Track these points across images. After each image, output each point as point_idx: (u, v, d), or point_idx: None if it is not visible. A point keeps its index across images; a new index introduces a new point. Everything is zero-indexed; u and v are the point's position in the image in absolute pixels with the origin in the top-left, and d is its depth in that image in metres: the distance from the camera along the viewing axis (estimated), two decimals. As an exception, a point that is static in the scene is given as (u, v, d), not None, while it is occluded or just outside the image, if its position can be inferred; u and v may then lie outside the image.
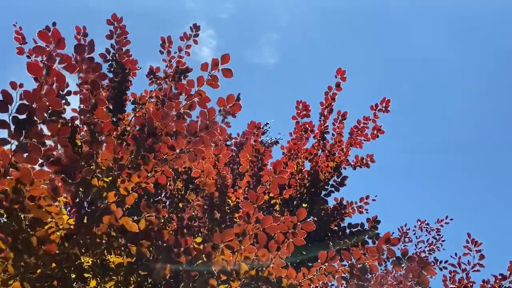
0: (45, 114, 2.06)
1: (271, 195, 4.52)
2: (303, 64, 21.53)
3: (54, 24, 3.32)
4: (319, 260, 2.70)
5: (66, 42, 2.07)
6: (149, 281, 2.89)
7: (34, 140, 2.13)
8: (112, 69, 4.46)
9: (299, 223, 2.51)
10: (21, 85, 2.03)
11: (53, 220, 2.43)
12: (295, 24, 20.71)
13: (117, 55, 4.43)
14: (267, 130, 7.18)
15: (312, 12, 20.58)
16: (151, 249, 2.63)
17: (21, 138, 2.09)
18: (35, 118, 2.10)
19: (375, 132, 5.15)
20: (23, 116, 2.07)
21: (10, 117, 2.04)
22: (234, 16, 20.80)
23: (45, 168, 2.31)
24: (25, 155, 2.14)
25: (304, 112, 5.10)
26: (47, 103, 2.12)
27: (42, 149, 2.14)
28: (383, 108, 5.06)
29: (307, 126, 5.12)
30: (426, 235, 6.93)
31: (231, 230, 2.48)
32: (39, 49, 2.03)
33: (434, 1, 19.43)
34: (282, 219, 2.55)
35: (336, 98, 5.09)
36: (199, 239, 3.23)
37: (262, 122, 7.30)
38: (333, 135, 5.20)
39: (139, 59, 4.53)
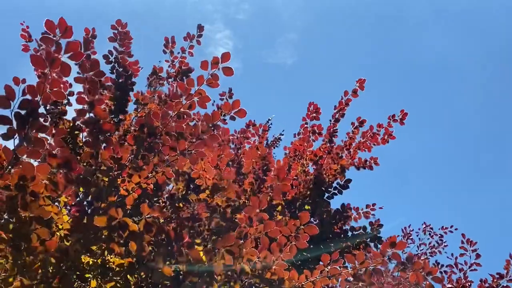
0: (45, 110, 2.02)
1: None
2: (318, 65, 21.47)
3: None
4: (321, 262, 2.66)
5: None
6: (149, 281, 2.86)
7: (38, 133, 2.09)
8: (114, 71, 4.47)
9: (302, 227, 2.47)
10: (23, 81, 2.01)
11: (54, 219, 2.40)
12: (313, 25, 20.62)
13: (119, 57, 4.43)
14: (270, 127, 7.11)
15: (329, 12, 20.55)
16: (151, 247, 2.58)
17: (24, 132, 2.06)
18: (39, 111, 2.06)
19: (385, 138, 5.16)
20: (26, 111, 2.04)
21: (13, 113, 2.01)
22: (252, 17, 20.69)
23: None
24: (28, 149, 2.11)
25: (315, 115, 5.10)
26: (51, 95, 2.08)
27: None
28: (399, 119, 5.08)
29: (315, 128, 5.11)
30: (428, 239, 6.90)
31: (232, 236, 2.41)
32: (46, 39, 1.98)
33: (450, 3, 19.30)
34: (285, 220, 2.51)
35: (350, 104, 5.10)
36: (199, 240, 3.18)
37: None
38: (344, 138, 5.21)
39: (152, 60, 4.55)
